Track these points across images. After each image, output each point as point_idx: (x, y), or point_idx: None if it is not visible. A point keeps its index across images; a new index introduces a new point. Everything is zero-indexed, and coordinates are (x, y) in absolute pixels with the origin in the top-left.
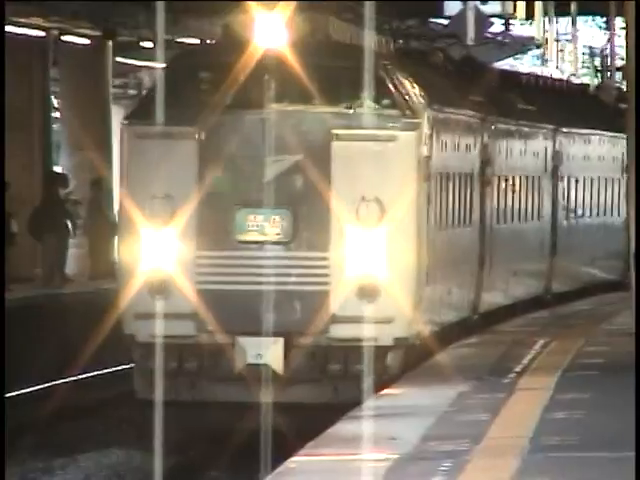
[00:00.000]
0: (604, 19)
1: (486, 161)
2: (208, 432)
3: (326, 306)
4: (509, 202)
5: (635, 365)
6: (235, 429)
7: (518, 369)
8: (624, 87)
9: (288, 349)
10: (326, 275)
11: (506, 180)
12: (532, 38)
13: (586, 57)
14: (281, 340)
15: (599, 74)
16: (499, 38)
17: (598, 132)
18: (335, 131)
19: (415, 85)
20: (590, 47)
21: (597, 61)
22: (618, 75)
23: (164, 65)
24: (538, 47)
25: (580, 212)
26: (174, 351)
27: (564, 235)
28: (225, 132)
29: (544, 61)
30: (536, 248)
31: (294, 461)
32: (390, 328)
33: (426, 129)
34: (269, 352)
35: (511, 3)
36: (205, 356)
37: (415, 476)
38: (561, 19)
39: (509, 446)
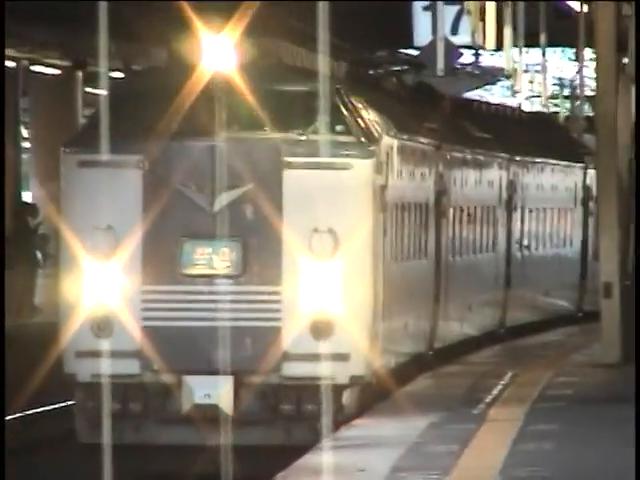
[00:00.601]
0: (573, 50)
1: (442, 191)
2: (155, 477)
3: (278, 343)
4: (464, 234)
5: (635, 373)
6: (183, 473)
7: (488, 400)
8: (592, 115)
9: (238, 388)
10: (278, 310)
11: (461, 211)
12: (501, 69)
13: (556, 88)
14: (230, 379)
15: (568, 104)
16: (469, 69)
17: (553, 161)
18: (287, 159)
19: (370, 111)
20: (559, 78)
21: (566, 92)
22: (587, 106)
23: (107, 90)
24: (508, 78)
25: (534, 244)
26: (118, 391)
27: (518, 267)
28: (171, 160)
29: (514, 92)
30: (491, 281)
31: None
32: (346, 366)
33: (382, 157)
34: (218, 392)
35: (481, 34)
36: (151, 396)
37: None
38: (531, 50)
39: (479, 477)
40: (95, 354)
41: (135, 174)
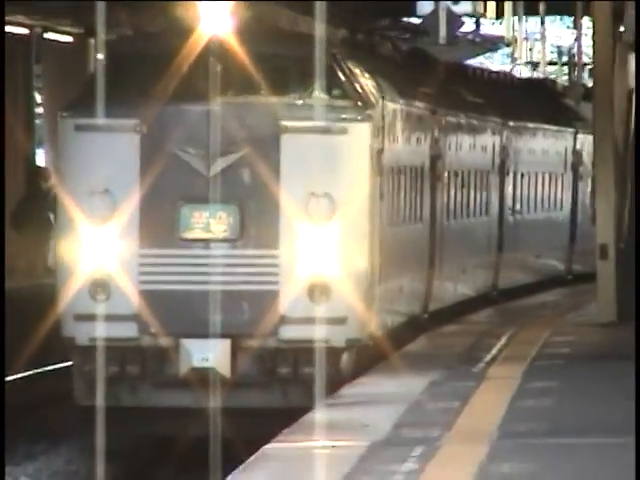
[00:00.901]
0: (572, 19)
1: (437, 155)
2: (153, 439)
3: (275, 307)
4: (458, 198)
5: (635, 361)
6: (181, 436)
7: (487, 359)
8: (590, 84)
9: (235, 352)
10: (275, 274)
11: (456, 175)
12: (502, 37)
13: (554, 55)
14: (228, 342)
15: (567, 72)
16: (470, 37)
17: (545, 126)
18: (284, 123)
19: (366, 75)
20: (558, 46)
21: (565, 59)
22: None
23: (104, 55)
24: (508, 46)
25: (525, 208)
26: (115, 354)
27: (510, 231)
28: (168, 124)
29: (514, 59)
30: (483, 244)
31: (269, 448)
32: (342, 329)
33: (379, 121)
34: (215, 355)
35: (482, 3)
36: (148, 359)
37: (388, 462)
38: (530, 19)
39: (479, 433)
40: (93, 317)
41: (132, 138)
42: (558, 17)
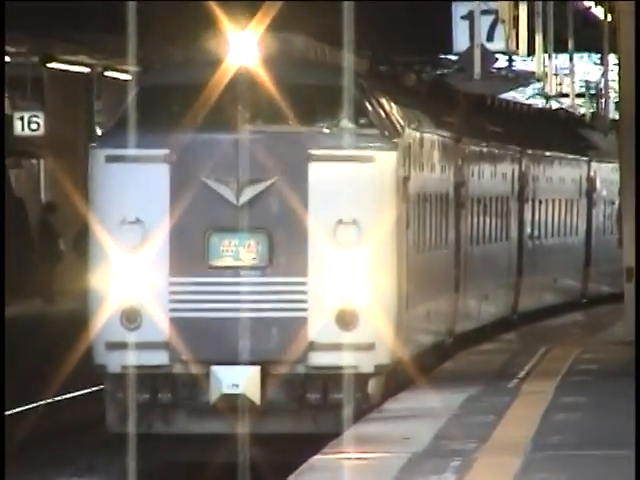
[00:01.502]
0: (598, 55)
1: (460, 183)
2: (184, 466)
3: (304, 333)
4: (481, 224)
5: (635, 366)
6: (212, 463)
7: (522, 375)
8: (617, 116)
9: (265, 378)
10: (304, 301)
11: (479, 202)
12: (533, 73)
13: (582, 90)
14: (258, 369)
15: (594, 105)
16: (503, 72)
17: (561, 155)
18: (311, 151)
19: (393, 105)
20: (586, 80)
21: (592, 93)
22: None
23: (134, 86)
24: (539, 81)
25: (543, 233)
26: (147, 382)
27: (529, 256)
28: (197, 154)
29: (544, 93)
30: (504, 268)
31: (317, 459)
32: (371, 355)
33: (405, 149)
34: (245, 381)
35: (514, 41)
36: (179, 387)
37: (427, 472)
38: (560, 55)
39: (513, 445)
40: (124, 346)
41: (162, 168)
42: (586, 54)
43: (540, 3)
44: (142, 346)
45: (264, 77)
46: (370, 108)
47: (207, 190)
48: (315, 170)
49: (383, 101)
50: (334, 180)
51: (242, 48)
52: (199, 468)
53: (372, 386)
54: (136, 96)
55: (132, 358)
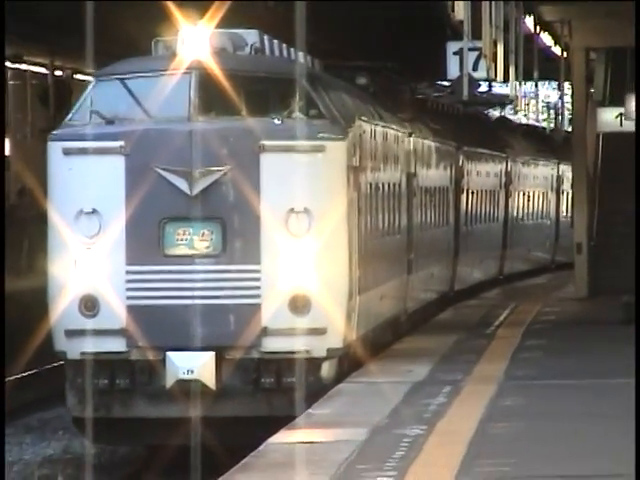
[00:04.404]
0: (557, 83)
1: (413, 173)
2: (141, 449)
3: (257, 319)
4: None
5: (635, 358)
6: (167, 446)
7: (496, 323)
8: (570, 129)
9: (220, 363)
10: (257, 288)
11: (426, 192)
12: (507, 95)
13: (544, 109)
14: (212, 354)
15: (553, 120)
16: (485, 95)
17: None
18: (263, 142)
19: (345, 97)
20: (547, 102)
21: (552, 112)
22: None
23: (91, 79)
24: (511, 102)
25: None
26: (105, 368)
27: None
28: (152, 145)
29: (515, 111)
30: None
31: (343, 386)
32: (323, 339)
33: (355, 139)
34: (200, 367)
35: (493, 71)
36: (137, 372)
37: (425, 396)
38: (528, 82)
39: (490, 377)
40: (83, 333)
41: (117, 159)
42: (547, 81)
43: (513, 42)
44: (100, 333)
45: (216, 70)
46: (320, 100)
47: (161, 181)
48: (267, 160)
49: (334, 94)
50: (286, 170)
51: (195, 41)
52: (156, 451)
53: (325, 369)
54: (92, 89)
55: (90, 345)
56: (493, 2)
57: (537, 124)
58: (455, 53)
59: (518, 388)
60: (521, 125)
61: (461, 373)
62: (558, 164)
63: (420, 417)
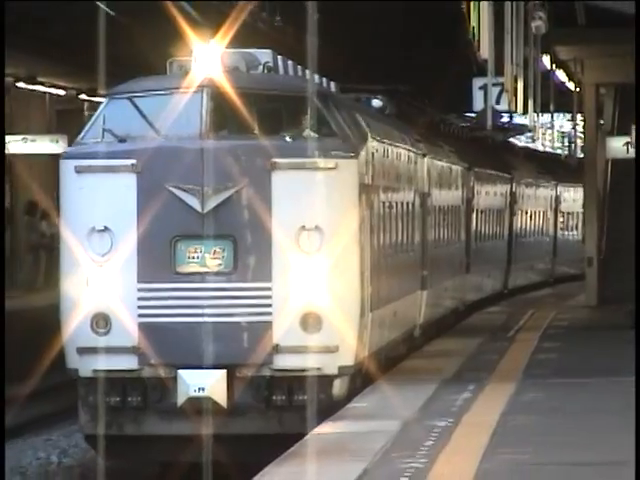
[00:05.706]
0: (570, 114)
1: (427, 193)
2: (153, 466)
3: (269, 337)
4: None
5: (635, 364)
6: (179, 463)
7: (516, 328)
8: (582, 155)
9: (231, 381)
10: (269, 305)
11: (439, 210)
12: (526, 125)
13: (559, 137)
14: (224, 372)
15: (567, 148)
16: (506, 125)
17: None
18: (275, 160)
19: (358, 116)
20: (562, 132)
21: (566, 140)
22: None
23: (103, 98)
24: (530, 131)
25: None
26: (117, 385)
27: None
28: (164, 163)
29: (533, 140)
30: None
31: (381, 382)
32: (334, 357)
33: (368, 158)
34: (211, 385)
35: (514, 104)
36: (148, 390)
37: (452, 392)
38: (544, 114)
39: (511, 374)
40: (95, 350)
41: (129, 177)
42: (562, 113)
43: (531, 78)
44: (112, 351)
45: (229, 88)
46: (332, 118)
47: (173, 198)
48: (278, 178)
49: (347, 112)
50: (297, 188)
51: (208, 60)
52: (168, 468)
53: (336, 387)
54: (104, 107)
55: (102, 362)
56: (514, 42)
57: (536, 147)
58: (480, 88)
59: (535, 385)
60: (522, 148)
61: (485, 372)
62: (556, 185)
63: (448, 411)
